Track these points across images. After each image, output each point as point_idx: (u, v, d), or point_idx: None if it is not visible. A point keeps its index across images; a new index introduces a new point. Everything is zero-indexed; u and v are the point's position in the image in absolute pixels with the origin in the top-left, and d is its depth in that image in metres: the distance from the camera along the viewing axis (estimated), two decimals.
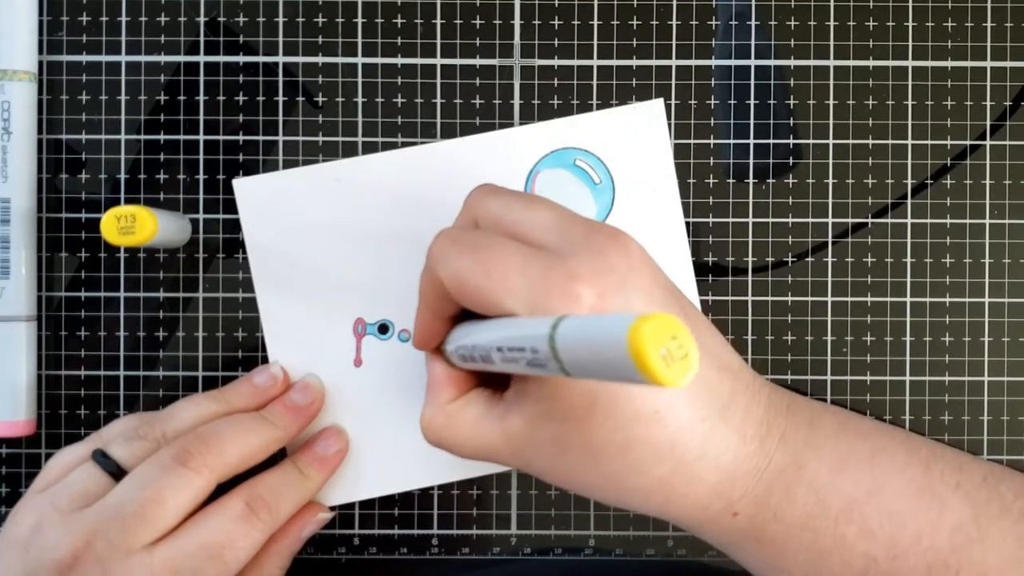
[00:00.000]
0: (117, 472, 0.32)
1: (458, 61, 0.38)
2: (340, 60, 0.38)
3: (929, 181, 0.38)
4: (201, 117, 0.38)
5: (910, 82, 0.38)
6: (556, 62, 0.38)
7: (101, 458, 0.32)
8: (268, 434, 0.34)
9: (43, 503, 0.31)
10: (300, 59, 0.38)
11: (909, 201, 0.38)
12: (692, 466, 0.27)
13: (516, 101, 0.38)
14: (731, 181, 0.38)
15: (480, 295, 0.27)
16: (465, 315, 0.30)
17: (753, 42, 0.38)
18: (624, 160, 0.37)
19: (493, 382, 0.31)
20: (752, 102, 0.38)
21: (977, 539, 0.29)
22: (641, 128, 0.38)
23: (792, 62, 0.38)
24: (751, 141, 0.38)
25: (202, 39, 0.38)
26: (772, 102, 0.38)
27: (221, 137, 0.38)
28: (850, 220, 0.38)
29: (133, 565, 0.30)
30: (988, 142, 0.38)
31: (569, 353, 0.21)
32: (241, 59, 0.38)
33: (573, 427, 0.27)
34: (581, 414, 0.26)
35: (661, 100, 0.38)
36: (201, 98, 0.38)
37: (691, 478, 0.27)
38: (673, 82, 0.38)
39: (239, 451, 0.33)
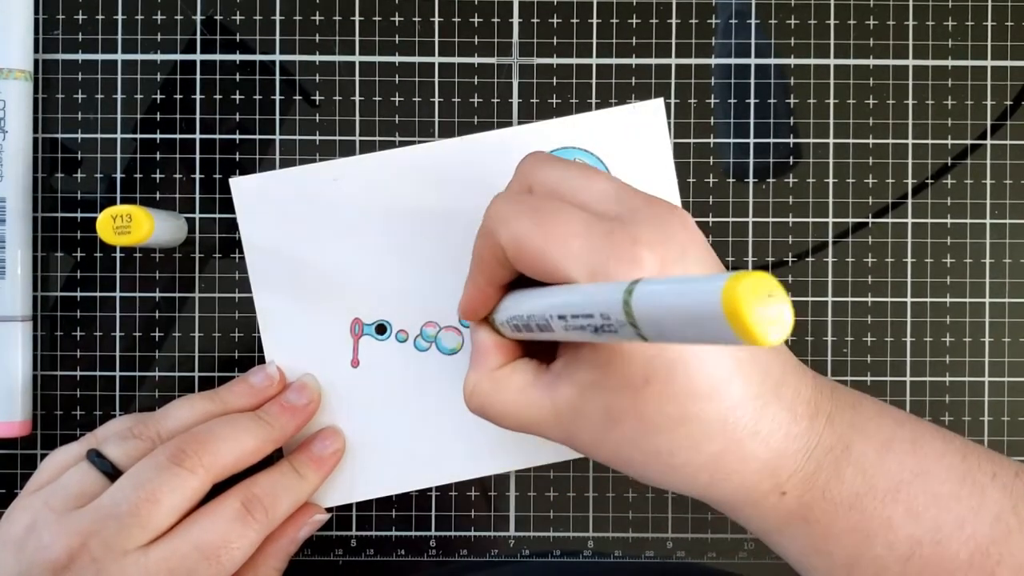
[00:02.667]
0: (112, 472, 0.32)
1: (456, 59, 0.38)
2: (337, 58, 0.38)
3: (930, 180, 0.38)
4: (198, 116, 0.38)
5: (911, 81, 0.38)
6: (555, 60, 0.38)
7: (96, 458, 0.32)
8: (264, 434, 0.34)
9: (38, 503, 0.31)
10: (297, 57, 0.38)
11: (910, 201, 0.38)
12: (743, 443, 0.27)
13: (514, 100, 0.38)
14: (731, 180, 0.38)
15: (540, 258, 0.26)
16: (516, 285, 0.30)
17: (753, 41, 0.38)
18: (624, 160, 0.37)
19: (539, 353, 0.31)
20: (752, 101, 0.38)
21: (1016, 529, 0.28)
22: (641, 128, 0.37)
23: (792, 61, 0.38)
24: (751, 140, 0.38)
25: (198, 37, 0.38)
26: (772, 101, 0.38)
27: (218, 136, 0.37)
28: (850, 220, 0.38)
29: (128, 565, 0.30)
30: (989, 141, 0.38)
31: (648, 316, 0.20)
32: (238, 57, 0.38)
33: (627, 399, 0.26)
34: (637, 385, 0.26)
35: (661, 100, 0.37)
36: (198, 97, 0.38)
37: (742, 455, 0.27)
38: (673, 81, 0.38)
39: (234, 451, 0.33)
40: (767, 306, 0.18)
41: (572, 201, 0.28)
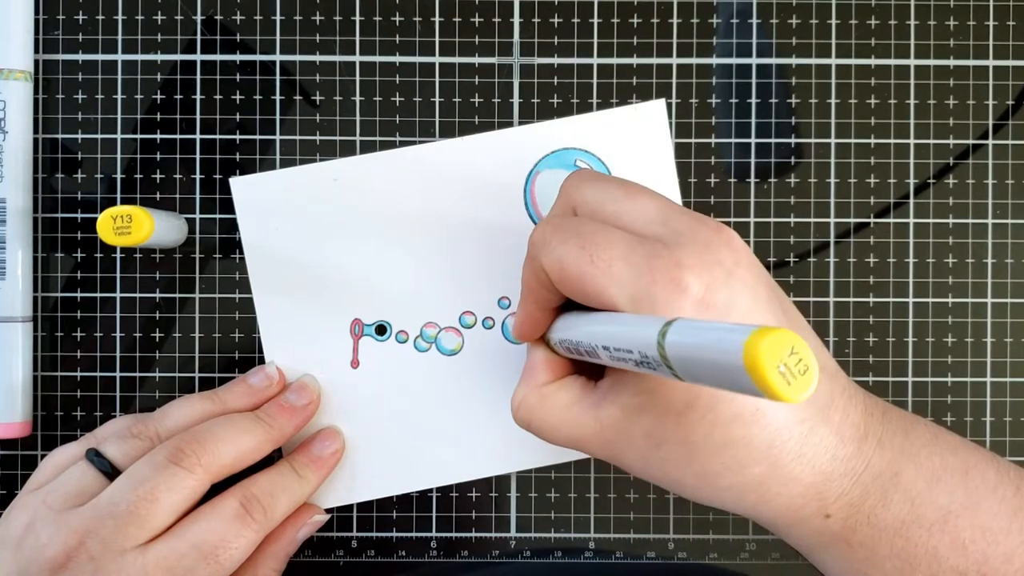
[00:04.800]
0: (111, 471, 0.32)
1: (457, 59, 0.38)
2: (337, 58, 0.38)
3: (932, 180, 0.38)
4: (198, 116, 0.38)
5: (912, 81, 0.38)
6: (556, 60, 0.38)
7: (95, 457, 0.32)
8: (263, 434, 0.34)
9: (36, 502, 0.31)
10: (297, 57, 0.38)
11: (911, 200, 0.38)
12: (789, 466, 0.27)
13: (515, 100, 0.38)
14: (732, 180, 0.38)
15: (583, 282, 0.26)
16: (569, 305, 0.30)
17: (755, 40, 0.38)
18: (625, 161, 0.37)
19: (589, 369, 0.31)
20: (754, 101, 0.38)
21: None
22: (642, 129, 0.37)
23: (794, 60, 0.38)
24: (752, 140, 0.38)
25: (199, 37, 0.38)
26: (774, 101, 0.38)
27: (218, 136, 0.37)
28: (852, 220, 0.38)
29: (126, 564, 0.30)
30: (991, 141, 0.38)
31: (680, 359, 0.20)
32: (238, 57, 0.38)
33: (671, 422, 0.26)
34: (680, 410, 0.26)
35: (663, 101, 0.37)
36: (198, 97, 0.38)
37: (787, 478, 0.27)
38: (674, 80, 0.38)
39: (233, 451, 0.32)
40: (789, 364, 0.18)
41: (615, 223, 0.27)
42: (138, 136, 0.38)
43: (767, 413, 0.26)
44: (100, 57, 0.37)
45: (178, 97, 0.38)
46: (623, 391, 0.28)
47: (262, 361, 0.37)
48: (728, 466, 0.27)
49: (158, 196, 0.38)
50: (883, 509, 0.28)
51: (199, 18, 0.38)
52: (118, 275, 0.38)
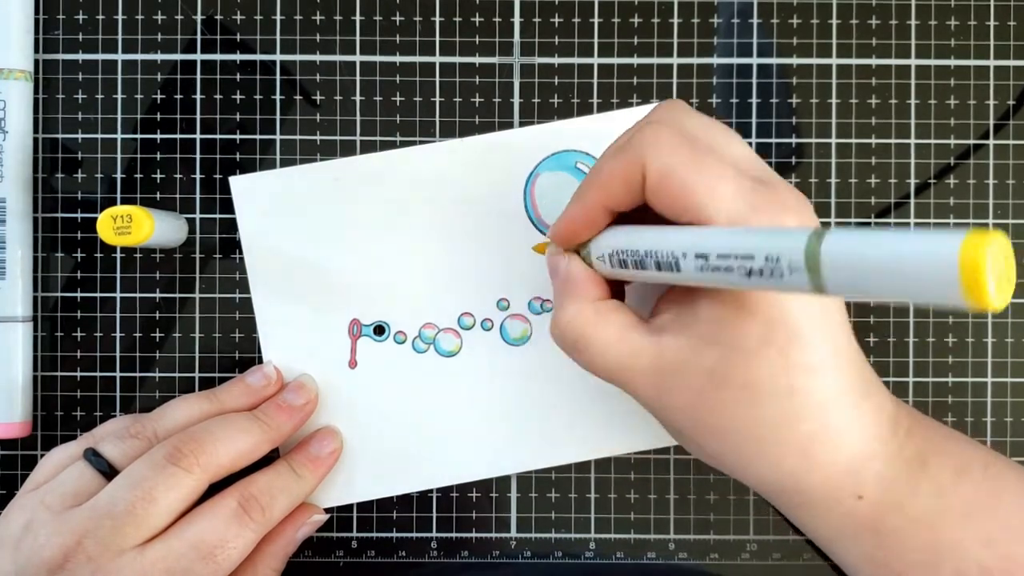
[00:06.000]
0: (109, 471, 0.32)
1: (457, 59, 0.38)
2: (338, 58, 0.38)
3: (932, 180, 0.38)
4: (198, 116, 0.37)
5: (913, 81, 0.38)
6: (556, 60, 0.38)
7: (92, 457, 0.32)
8: (260, 434, 0.34)
9: (34, 502, 0.31)
10: (298, 57, 0.38)
11: (912, 201, 0.38)
12: (835, 433, 0.27)
13: (516, 99, 0.38)
14: None
15: (686, 193, 0.26)
16: (617, 222, 0.29)
17: (755, 40, 0.38)
18: None
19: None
20: (754, 101, 0.38)
21: None
22: None
23: (795, 60, 0.38)
24: (753, 140, 0.38)
25: (199, 37, 0.38)
26: (774, 101, 0.38)
27: (218, 136, 0.37)
28: (853, 220, 0.38)
29: (124, 564, 0.30)
30: (991, 141, 0.38)
31: (843, 265, 0.20)
32: (238, 57, 0.38)
33: (739, 360, 0.26)
34: (752, 347, 0.26)
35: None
36: (198, 97, 0.38)
37: (830, 446, 0.27)
38: (674, 80, 0.38)
39: (231, 451, 0.32)
40: (1000, 271, 0.18)
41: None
42: (138, 136, 0.37)
43: (829, 371, 0.26)
44: (100, 57, 0.37)
45: (178, 97, 0.38)
46: (692, 321, 0.27)
47: (262, 361, 0.37)
48: (783, 417, 0.26)
49: (158, 196, 0.38)
50: (912, 496, 0.28)
51: (199, 18, 0.38)
52: (118, 275, 0.38)
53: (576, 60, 0.38)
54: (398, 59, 0.38)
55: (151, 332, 0.38)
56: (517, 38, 0.38)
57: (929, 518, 0.28)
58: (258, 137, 0.38)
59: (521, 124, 0.38)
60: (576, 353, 0.29)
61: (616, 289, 0.31)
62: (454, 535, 0.38)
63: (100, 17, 0.37)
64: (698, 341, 0.27)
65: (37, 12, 0.37)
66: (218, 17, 0.38)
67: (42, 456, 0.35)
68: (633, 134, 0.28)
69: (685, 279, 0.25)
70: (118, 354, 0.38)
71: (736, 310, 0.26)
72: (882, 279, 0.20)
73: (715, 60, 0.38)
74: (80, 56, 0.37)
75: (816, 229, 0.21)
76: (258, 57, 0.38)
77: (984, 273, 0.18)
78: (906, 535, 0.28)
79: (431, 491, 0.38)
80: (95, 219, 0.37)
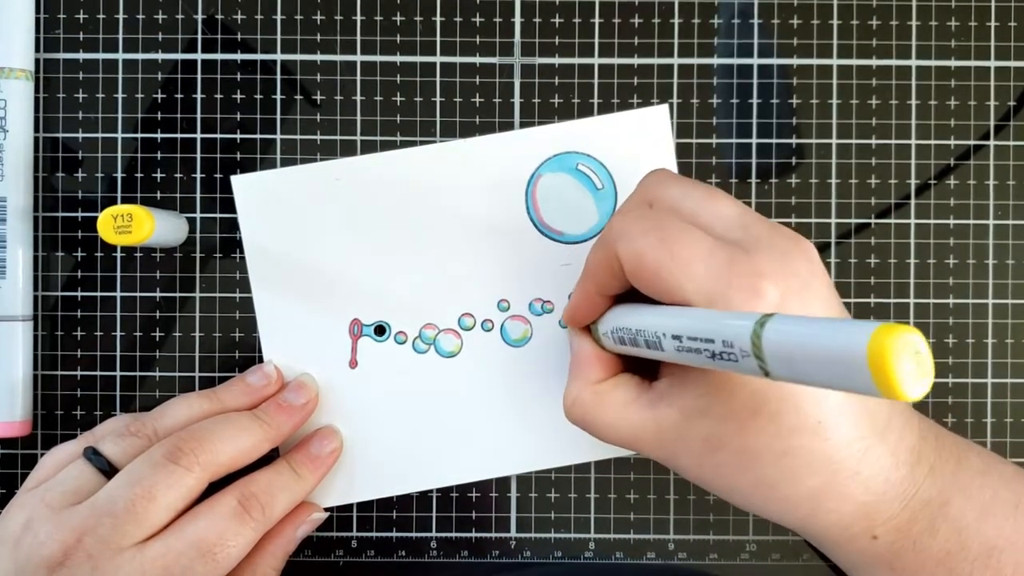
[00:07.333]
0: (108, 470, 0.32)
1: (458, 59, 0.38)
2: (338, 58, 0.38)
3: (933, 181, 0.38)
4: (199, 115, 0.37)
5: (913, 81, 0.38)
6: (557, 60, 0.38)
7: (92, 455, 0.32)
8: (260, 433, 0.34)
9: (34, 500, 0.31)
10: (298, 57, 0.38)
11: (912, 201, 0.38)
12: (844, 483, 0.27)
13: (516, 100, 0.38)
14: (734, 181, 0.38)
15: (659, 276, 0.26)
16: (621, 300, 0.30)
17: (756, 40, 0.38)
18: (627, 165, 0.37)
19: (637, 369, 0.31)
20: (755, 101, 0.38)
21: None
22: (645, 133, 0.37)
23: (795, 61, 0.38)
24: (754, 140, 0.38)
25: (199, 37, 0.38)
26: (775, 101, 0.38)
27: (219, 135, 0.37)
28: (853, 220, 0.38)
29: (123, 562, 0.30)
30: (992, 142, 0.38)
31: (779, 352, 0.20)
32: (239, 57, 0.38)
33: (732, 428, 0.27)
34: (744, 416, 0.26)
35: (666, 106, 0.37)
36: (199, 96, 0.38)
37: (841, 495, 0.27)
38: (675, 81, 0.38)
39: (231, 449, 0.32)
40: (913, 363, 0.18)
41: (694, 222, 0.27)
42: (139, 135, 0.37)
43: (829, 427, 0.26)
44: (101, 56, 0.37)
45: (179, 96, 0.38)
46: (684, 392, 0.28)
47: (262, 360, 0.37)
48: (785, 476, 0.27)
49: (159, 195, 0.38)
50: (930, 538, 0.28)
51: (200, 17, 0.38)
52: (118, 274, 0.38)
53: (577, 60, 0.38)
54: (399, 59, 0.38)
55: (151, 331, 0.38)
56: (518, 38, 0.38)
57: (945, 558, 0.28)
58: (259, 137, 0.38)
59: (522, 124, 0.38)
60: (584, 429, 0.31)
61: (633, 357, 0.31)
62: (454, 535, 0.38)
63: (101, 16, 0.37)
64: (691, 412, 0.27)
65: (38, 11, 0.37)
66: (219, 16, 0.38)
67: (42, 455, 0.35)
68: (609, 221, 0.29)
69: (670, 358, 0.26)
70: (118, 353, 0.38)
71: (724, 381, 0.26)
72: (813, 368, 0.20)
73: (716, 61, 0.38)
74: (81, 55, 0.37)
75: (762, 316, 0.21)
76: (259, 57, 0.38)
77: (891, 366, 0.18)
78: (921, 573, 0.28)
79: (431, 491, 0.38)
80: (95, 218, 0.37)
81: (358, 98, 0.38)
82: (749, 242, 0.26)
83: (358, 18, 0.38)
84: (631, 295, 0.29)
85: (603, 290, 0.30)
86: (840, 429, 0.26)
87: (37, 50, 0.37)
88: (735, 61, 0.38)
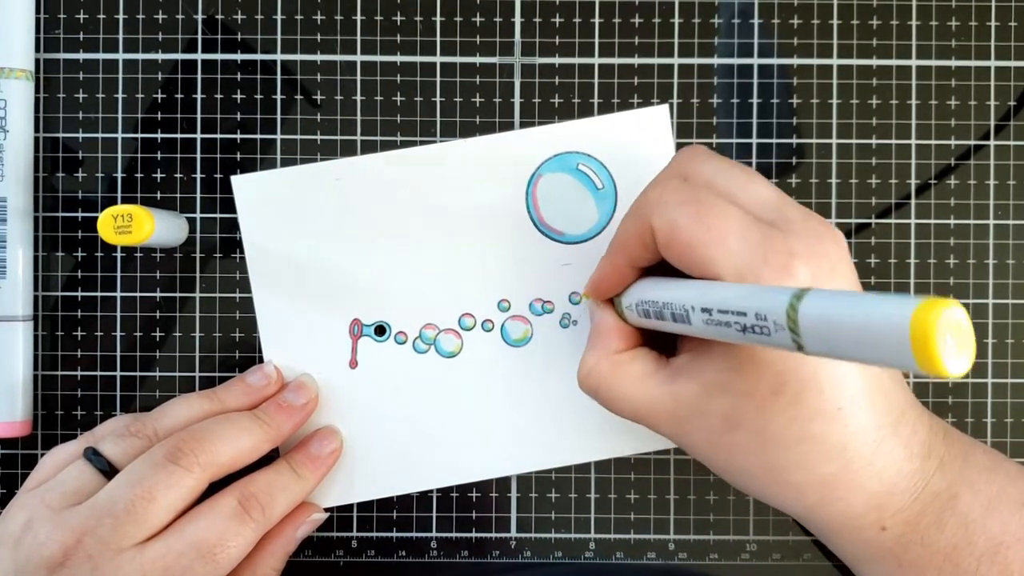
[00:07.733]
0: (108, 470, 0.32)
1: (458, 59, 0.38)
2: (339, 58, 0.38)
3: (933, 181, 0.38)
4: (199, 115, 0.37)
5: (914, 81, 0.38)
6: (557, 60, 0.38)
7: (92, 456, 0.32)
8: (261, 433, 0.34)
9: (34, 500, 0.31)
10: (298, 57, 0.38)
11: (913, 201, 0.38)
12: (858, 472, 0.27)
13: (516, 99, 0.38)
14: None
15: (693, 248, 0.26)
16: (648, 273, 0.30)
17: (756, 40, 0.38)
18: (627, 165, 0.37)
19: (655, 346, 0.31)
20: (755, 101, 0.38)
21: None
22: (645, 133, 0.37)
23: (795, 61, 0.38)
24: (754, 140, 0.38)
25: (200, 37, 0.37)
26: (775, 101, 0.38)
27: (219, 136, 0.37)
28: (853, 220, 0.38)
29: (123, 563, 0.30)
30: (992, 142, 0.38)
31: (816, 326, 0.20)
32: (239, 57, 0.38)
33: (751, 407, 0.26)
34: (765, 395, 0.26)
35: (666, 106, 0.37)
36: (199, 96, 0.37)
37: (853, 484, 0.27)
38: (675, 81, 0.38)
39: (231, 450, 0.32)
40: (955, 338, 0.18)
41: (729, 199, 0.27)
42: (139, 135, 0.37)
43: (848, 414, 0.26)
44: (101, 56, 0.37)
45: (179, 96, 0.38)
46: (706, 367, 0.28)
47: (262, 361, 0.37)
48: (799, 461, 0.27)
49: (159, 195, 0.38)
50: (937, 532, 0.28)
51: (200, 17, 0.38)
52: (118, 274, 0.38)
53: (577, 60, 0.38)
54: (399, 59, 0.38)
55: (151, 331, 0.38)
56: (518, 38, 0.38)
57: (952, 552, 0.28)
58: (259, 137, 0.38)
59: (522, 124, 0.38)
60: (597, 399, 0.31)
61: (650, 334, 0.31)
62: (454, 535, 0.38)
63: (101, 16, 0.37)
64: (711, 387, 0.27)
65: (38, 11, 0.37)
66: (219, 17, 0.38)
67: (42, 455, 0.35)
68: (644, 192, 0.29)
69: (696, 332, 0.26)
70: (118, 353, 0.38)
71: (748, 358, 0.26)
72: (850, 342, 0.20)
73: (716, 60, 0.38)
74: (81, 55, 0.37)
75: (799, 289, 0.21)
76: (259, 57, 0.38)
77: (934, 341, 0.17)
78: (928, 567, 0.29)
79: (431, 491, 0.38)
80: (96, 218, 0.37)
81: (358, 98, 0.38)
82: (783, 223, 0.27)
83: (358, 18, 0.38)
84: (657, 269, 0.29)
85: (633, 262, 0.30)
86: (859, 417, 0.26)
87: (37, 50, 0.37)
88: (735, 61, 0.38)
